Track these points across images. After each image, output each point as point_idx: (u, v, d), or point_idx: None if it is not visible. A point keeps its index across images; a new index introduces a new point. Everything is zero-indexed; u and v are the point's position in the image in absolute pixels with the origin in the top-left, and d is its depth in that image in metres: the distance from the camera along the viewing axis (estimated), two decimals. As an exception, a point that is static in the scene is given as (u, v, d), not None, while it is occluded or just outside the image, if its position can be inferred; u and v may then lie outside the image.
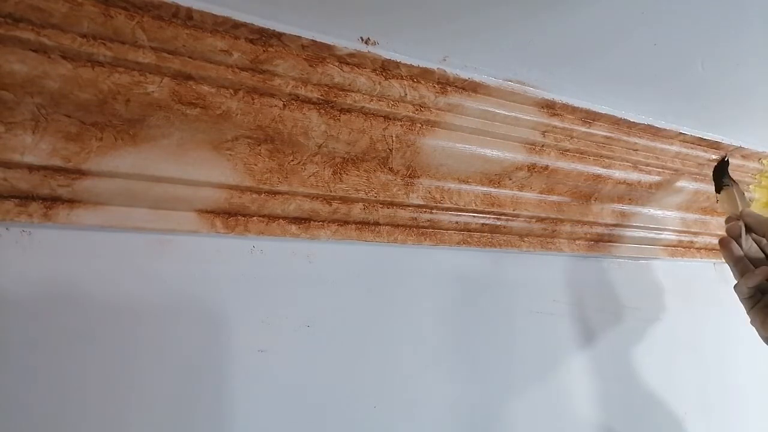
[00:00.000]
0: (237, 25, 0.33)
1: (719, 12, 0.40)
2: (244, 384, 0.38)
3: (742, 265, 0.47)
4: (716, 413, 0.69)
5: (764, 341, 0.46)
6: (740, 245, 0.47)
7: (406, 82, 0.41)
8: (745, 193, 0.53)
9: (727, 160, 0.57)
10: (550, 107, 0.48)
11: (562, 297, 0.57)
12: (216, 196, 0.37)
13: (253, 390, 0.39)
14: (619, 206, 0.60)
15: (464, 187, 0.48)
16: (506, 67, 0.43)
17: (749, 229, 0.47)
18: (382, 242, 0.45)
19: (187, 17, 0.31)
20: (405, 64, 0.39)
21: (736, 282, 0.47)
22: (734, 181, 0.53)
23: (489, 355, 0.51)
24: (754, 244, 0.47)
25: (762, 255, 0.47)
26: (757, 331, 0.46)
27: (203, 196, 0.36)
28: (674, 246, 0.67)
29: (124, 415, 0.34)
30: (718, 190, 0.54)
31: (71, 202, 0.33)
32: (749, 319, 0.47)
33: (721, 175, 0.55)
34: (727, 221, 0.50)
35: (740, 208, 0.50)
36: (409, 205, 0.45)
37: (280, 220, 0.40)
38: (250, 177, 0.37)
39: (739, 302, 0.47)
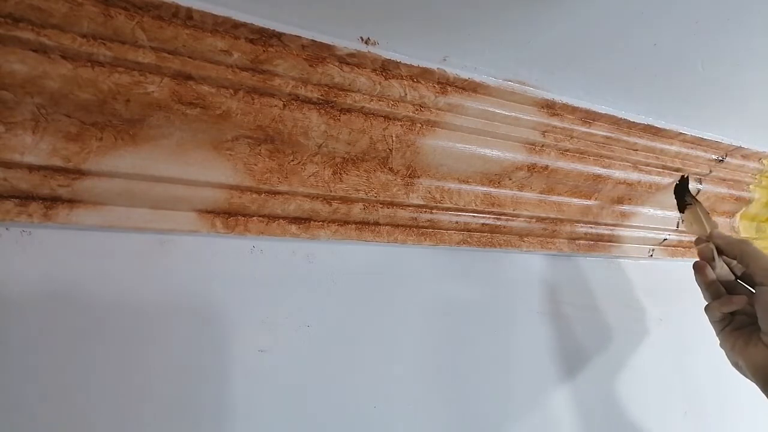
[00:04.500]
0: (237, 25, 0.33)
1: (719, 12, 0.40)
2: (244, 384, 0.38)
3: (714, 288, 0.47)
4: (716, 413, 0.69)
5: (733, 365, 0.46)
6: (713, 268, 0.47)
7: (406, 82, 0.41)
8: (709, 214, 0.52)
9: (687, 177, 0.56)
10: (550, 107, 0.48)
11: (562, 297, 0.57)
12: (216, 196, 0.37)
13: (253, 390, 0.39)
14: (619, 206, 0.60)
15: (464, 187, 0.48)
16: (506, 67, 0.43)
17: (720, 251, 0.47)
18: (382, 242, 0.45)
19: (187, 17, 0.31)
20: (405, 64, 0.39)
21: (706, 303, 0.48)
22: (697, 200, 0.53)
23: (489, 354, 0.51)
24: (725, 266, 0.47)
25: (732, 277, 0.47)
26: (726, 354, 0.47)
27: (203, 196, 0.36)
28: (674, 246, 0.67)
29: (124, 415, 0.34)
30: (681, 209, 0.54)
31: (71, 202, 0.33)
32: (718, 342, 0.47)
33: (682, 194, 0.55)
34: (697, 242, 0.50)
35: (708, 229, 0.50)
36: (409, 205, 0.45)
37: (280, 220, 0.40)
38: (250, 177, 0.37)
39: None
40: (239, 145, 0.37)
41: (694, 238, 0.51)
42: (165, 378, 0.36)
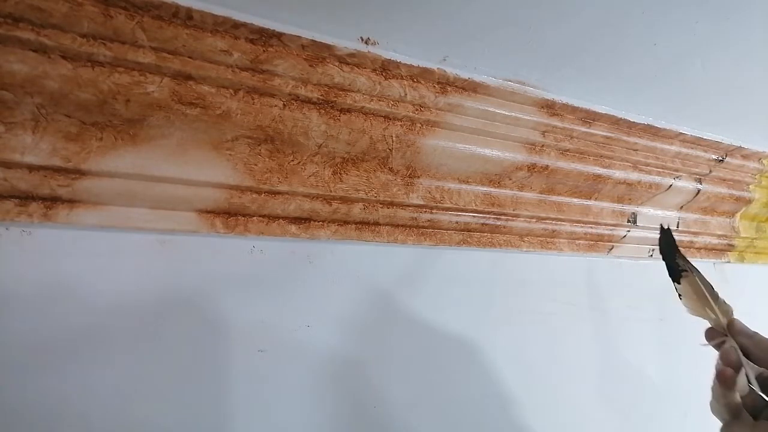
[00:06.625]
0: (237, 25, 0.33)
1: (719, 12, 0.40)
2: (244, 384, 0.38)
3: (736, 411, 0.32)
4: (716, 413, 0.69)
5: None
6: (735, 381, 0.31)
7: (406, 82, 0.41)
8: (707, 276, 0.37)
9: (668, 229, 0.39)
10: (550, 107, 0.48)
11: (562, 297, 0.57)
12: (216, 196, 0.37)
13: (253, 390, 0.39)
14: (619, 206, 0.60)
15: (464, 187, 0.48)
16: (506, 67, 0.43)
17: (745, 353, 0.32)
18: (382, 242, 0.45)
19: (187, 17, 0.31)
20: (405, 64, 0.39)
21: (721, 426, 0.33)
22: (692, 264, 0.37)
23: (489, 354, 0.51)
24: (748, 386, 0.32)
25: (756, 398, 0.32)
26: None
27: (203, 196, 0.36)
28: (674, 246, 0.67)
29: (123, 415, 0.34)
30: (676, 279, 0.38)
31: (71, 202, 0.33)
32: None
33: (671, 255, 0.38)
34: (710, 337, 0.35)
35: (720, 316, 0.34)
36: (409, 205, 0.45)
37: (280, 220, 0.40)
38: (250, 177, 0.37)
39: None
40: (239, 145, 0.37)
41: (685, 300, 0.37)
42: (165, 378, 0.36)
